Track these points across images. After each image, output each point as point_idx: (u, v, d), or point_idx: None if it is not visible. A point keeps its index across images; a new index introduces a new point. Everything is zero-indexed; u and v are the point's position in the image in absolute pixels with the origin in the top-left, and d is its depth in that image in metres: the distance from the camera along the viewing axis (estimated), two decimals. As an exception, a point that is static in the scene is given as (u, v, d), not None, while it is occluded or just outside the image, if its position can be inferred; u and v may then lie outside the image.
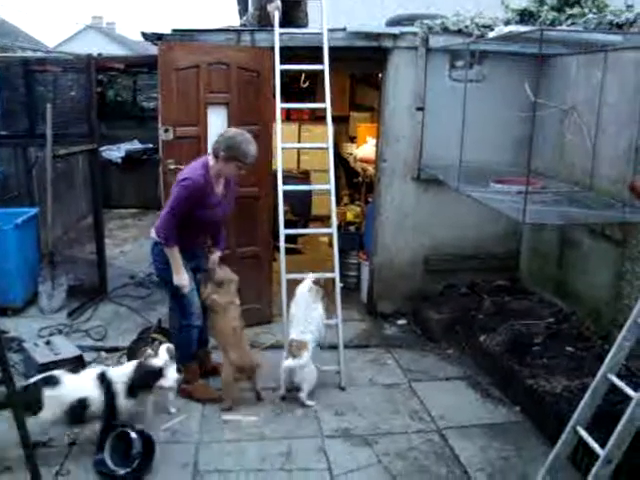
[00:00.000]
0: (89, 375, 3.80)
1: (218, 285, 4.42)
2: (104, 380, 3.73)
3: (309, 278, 4.66)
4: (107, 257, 6.51)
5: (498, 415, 4.32)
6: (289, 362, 4.37)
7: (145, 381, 3.75)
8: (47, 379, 3.69)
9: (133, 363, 3.89)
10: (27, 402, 3.47)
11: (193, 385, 4.46)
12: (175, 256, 4.13)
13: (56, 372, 3.80)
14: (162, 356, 4.08)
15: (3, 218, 5.72)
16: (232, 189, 4.41)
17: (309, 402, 4.43)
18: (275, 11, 5.12)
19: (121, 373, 3.80)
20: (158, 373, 3.77)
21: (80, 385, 3.72)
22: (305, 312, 4.50)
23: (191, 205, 4.05)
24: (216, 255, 4.52)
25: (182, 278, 4.18)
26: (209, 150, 4.96)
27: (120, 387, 3.72)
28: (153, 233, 4.23)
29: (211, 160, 4.16)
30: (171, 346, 4.19)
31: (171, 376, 3.83)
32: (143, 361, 3.86)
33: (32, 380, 3.74)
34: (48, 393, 3.60)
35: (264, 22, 5.30)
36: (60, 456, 3.70)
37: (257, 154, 4.17)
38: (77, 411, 3.65)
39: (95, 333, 5.38)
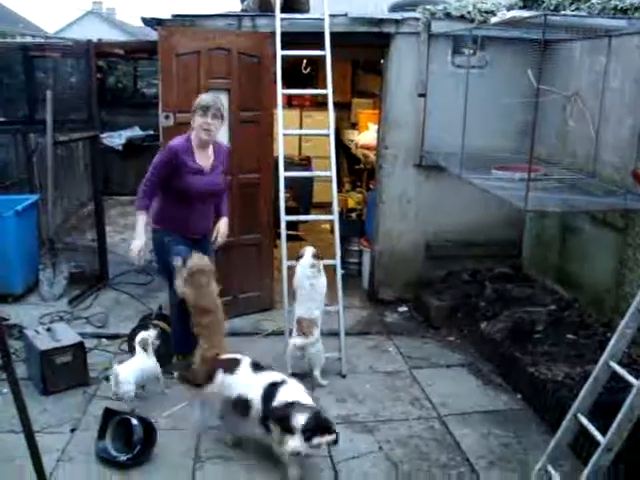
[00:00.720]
0: (263, 379, 3.59)
1: (190, 276, 3.90)
2: (270, 392, 3.49)
3: (308, 253, 4.59)
4: (108, 244, 6.49)
5: (499, 402, 4.32)
6: (300, 340, 4.34)
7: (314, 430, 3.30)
8: (230, 362, 3.71)
9: (311, 405, 3.45)
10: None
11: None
12: (139, 222, 4.21)
13: (241, 359, 3.72)
14: (137, 350, 4.11)
15: (3, 205, 5.69)
16: (221, 162, 4.38)
17: (323, 382, 4.45)
18: None
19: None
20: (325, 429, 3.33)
21: (250, 385, 3.58)
22: (310, 289, 4.48)
23: (170, 170, 4.09)
24: (221, 222, 4.48)
25: (133, 244, 4.26)
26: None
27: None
28: (151, 222, 4.32)
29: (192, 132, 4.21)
30: (146, 336, 4.16)
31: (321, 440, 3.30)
32: (321, 411, 3.46)
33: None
34: (221, 377, 3.65)
35: (265, 7, 5.25)
36: (62, 442, 3.70)
37: (214, 101, 4.15)
38: (238, 406, 3.57)
39: (96, 320, 5.38)
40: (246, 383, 3.60)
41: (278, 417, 3.37)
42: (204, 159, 4.24)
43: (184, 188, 4.17)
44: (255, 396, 3.51)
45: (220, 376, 3.66)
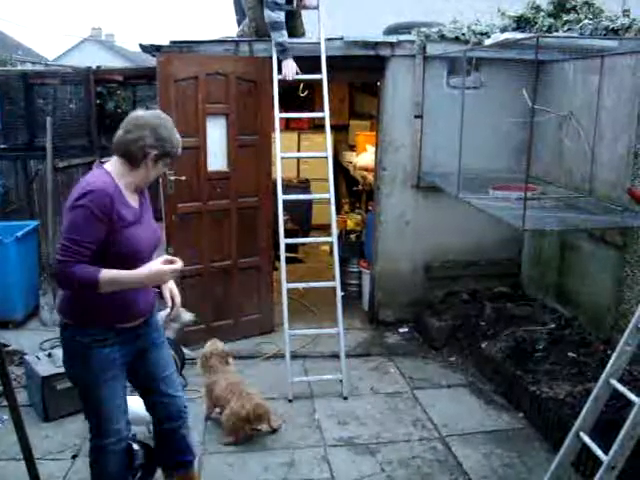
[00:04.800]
0: None
1: (207, 360, 4.23)
2: None
3: None
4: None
5: (501, 422, 4.31)
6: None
7: None
8: None
9: None
10: None
11: None
12: (117, 276, 2.63)
13: None
14: None
15: (3, 231, 5.72)
16: (147, 205, 2.95)
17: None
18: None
19: None
20: None
21: None
22: None
23: (103, 228, 2.61)
24: (171, 286, 3.01)
25: (154, 269, 2.70)
26: (213, 161, 4.96)
27: None
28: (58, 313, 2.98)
29: (116, 167, 2.75)
30: None
31: None
32: None
33: None
34: None
35: (261, 32, 5.31)
36: (63, 469, 3.69)
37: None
38: None
39: (97, 345, 5.36)
40: None
41: None
42: (134, 201, 2.81)
43: (127, 249, 2.71)
44: None
45: None
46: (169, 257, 2.79)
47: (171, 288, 3.00)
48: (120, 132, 2.74)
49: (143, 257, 2.76)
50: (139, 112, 2.83)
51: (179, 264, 2.75)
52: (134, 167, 2.74)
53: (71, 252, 2.57)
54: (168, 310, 2.99)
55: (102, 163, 2.80)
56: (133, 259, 2.71)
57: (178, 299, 3.00)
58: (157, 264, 2.72)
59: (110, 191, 2.63)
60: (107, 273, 2.59)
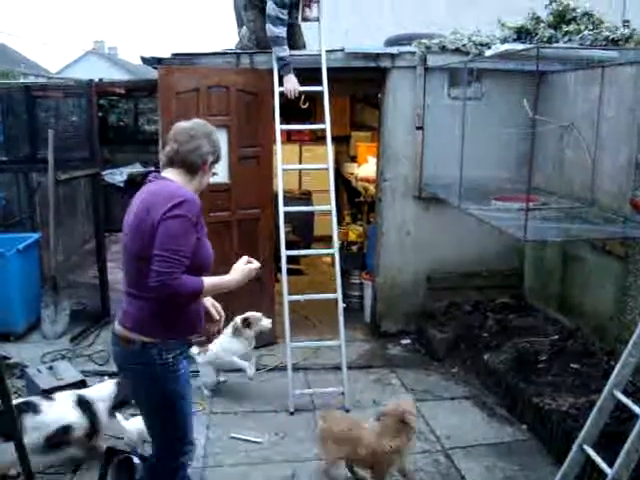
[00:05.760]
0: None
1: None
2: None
3: None
4: (109, 281, 6.49)
5: (504, 434, 4.28)
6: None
7: None
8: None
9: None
10: None
11: None
12: (217, 282, 2.77)
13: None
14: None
15: (5, 243, 5.73)
16: None
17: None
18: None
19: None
20: None
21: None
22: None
23: (195, 237, 2.66)
24: (212, 301, 3.09)
25: (245, 269, 2.88)
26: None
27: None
28: (125, 330, 2.75)
29: (178, 178, 2.78)
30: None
31: None
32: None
33: None
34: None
35: (262, 44, 5.33)
36: (63, 483, 3.67)
37: None
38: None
39: (98, 358, 5.36)
40: None
41: None
42: None
43: (206, 258, 2.79)
44: None
45: None
46: (247, 258, 2.92)
47: (213, 302, 3.07)
48: (174, 145, 2.78)
49: (211, 266, 2.82)
50: (183, 124, 2.85)
51: (257, 263, 2.92)
52: (193, 176, 2.80)
53: (176, 263, 2.54)
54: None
55: (157, 172, 2.84)
56: (207, 267, 2.78)
57: (223, 312, 3.09)
58: (243, 265, 2.87)
59: (198, 200, 2.68)
60: (208, 280, 2.67)
